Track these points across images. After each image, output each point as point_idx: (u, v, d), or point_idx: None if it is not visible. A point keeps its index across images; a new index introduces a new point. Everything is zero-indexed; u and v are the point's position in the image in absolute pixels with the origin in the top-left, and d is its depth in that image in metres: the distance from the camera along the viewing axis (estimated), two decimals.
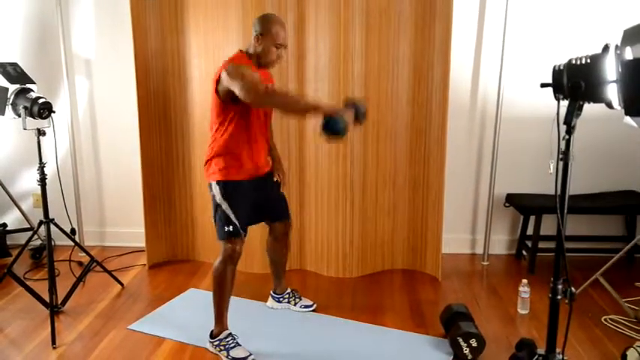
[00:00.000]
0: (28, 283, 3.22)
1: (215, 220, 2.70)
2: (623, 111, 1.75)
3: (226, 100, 2.55)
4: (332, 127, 2.34)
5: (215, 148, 2.66)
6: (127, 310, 3.19)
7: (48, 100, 2.94)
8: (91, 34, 3.93)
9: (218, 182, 2.66)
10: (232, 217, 2.64)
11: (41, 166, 3.02)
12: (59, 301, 3.13)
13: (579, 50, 1.92)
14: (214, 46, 3.50)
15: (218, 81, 2.54)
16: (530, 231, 3.81)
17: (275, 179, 2.93)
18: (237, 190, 2.67)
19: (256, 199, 2.78)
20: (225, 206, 2.65)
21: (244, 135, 2.64)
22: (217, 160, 2.66)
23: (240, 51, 2.70)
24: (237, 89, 2.42)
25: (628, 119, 1.86)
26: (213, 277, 2.68)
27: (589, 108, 1.90)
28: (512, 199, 3.87)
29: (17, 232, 4.05)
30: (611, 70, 1.76)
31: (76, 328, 2.98)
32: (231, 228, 2.64)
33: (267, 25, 2.61)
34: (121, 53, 3.83)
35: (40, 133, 2.98)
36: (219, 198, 2.66)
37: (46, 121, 2.95)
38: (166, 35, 3.61)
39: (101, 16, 3.89)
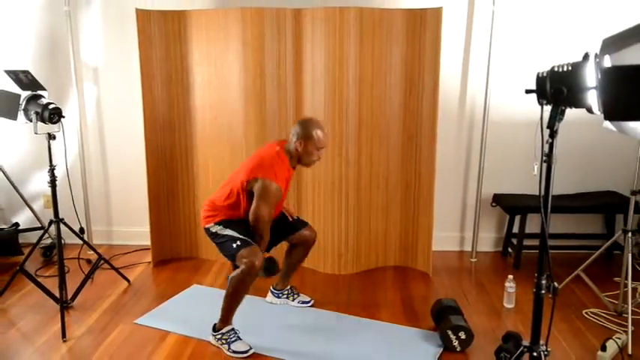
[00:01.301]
0: (39, 279, 3.21)
1: (222, 250, 2.70)
2: (602, 116, 1.76)
3: (250, 194, 2.66)
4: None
5: (222, 209, 2.73)
6: (133, 305, 3.18)
7: (58, 106, 2.93)
8: (98, 43, 3.92)
9: (216, 223, 2.71)
10: (236, 234, 2.64)
11: (51, 169, 3.01)
12: (69, 297, 3.13)
13: (561, 58, 1.93)
14: (216, 55, 3.50)
15: (250, 175, 2.63)
16: (515, 229, 3.83)
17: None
18: (238, 222, 2.70)
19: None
20: (227, 232, 2.67)
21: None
22: (218, 214, 2.74)
23: (283, 149, 2.75)
24: (253, 206, 2.60)
25: (607, 124, 1.86)
26: (230, 282, 2.62)
27: (571, 113, 1.91)
28: (498, 199, 3.88)
29: (29, 231, 4.04)
30: (591, 77, 1.76)
31: (85, 322, 2.97)
32: (238, 242, 2.62)
33: (309, 130, 2.69)
34: (127, 61, 3.82)
35: (51, 137, 2.97)
36: (219, 229, 2.69)
37: (56, 125, 2.94)
38: (170, 44, 3.60)
39: (108, 25, 3.88)
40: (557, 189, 3.58)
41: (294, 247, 3.05)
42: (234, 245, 2.62)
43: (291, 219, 2.99)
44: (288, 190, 2.91)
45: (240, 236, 2.64)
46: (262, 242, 2.70)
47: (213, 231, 2.72)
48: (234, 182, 2.73)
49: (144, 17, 3.50)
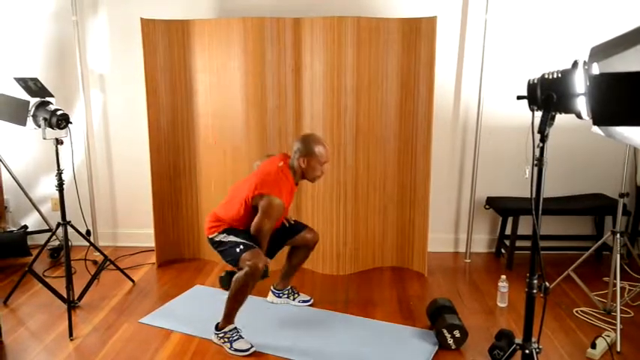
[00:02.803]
0: (47, 280, 3.20)
1: (225, 257, 2.70)
2: (591, 121, 1.76)
3: (254, 208, 2.67)
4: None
5: (228, 221, 2.73)
6: (137, 305, 3.18)
7: (65, 112, 2.93)
8: (105, 52, 3.93)
9: (220, 232, 2.71)
10: (238, 240, 2.64)
11: (59, 173, 3.01)
12: (76, 297, 3.12)
13: (551, 66, 1.94)
14: (218, 63, 3.50)
15: (254, 196, 2.63)
16: (508, 231, 3.83)
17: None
18: (242, 230, 2.70)
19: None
20: (230, 238, 2.67)
21: None
22: (222, 226, 2.73)
23: (286, 164, 2.74)
24: (257, 220, 2.61)
25: (595, 128, 1.87)
26: (234, 283, 2.60)
27: (561, 118, 1.91)
28: (492, 202, 3.89)
29: (37, 233, 4.04)
30: (579, 83, 1.77)
31: (91, 321, 2.97)
32: (241, 247, 2.62)
33: (310, 147, 2.68)
34: (133, 69, 3.82)
35: (58, 142, 2.97)
36: (223, 237, 2.69)
37: (63, 131, 2.94)
38: (174, 52, 3.61)
39: (114, 34, 3.89)
40: (548, 192, 3.57)
41: (296, 249, 3.05)
42: (238, 250, 2.61)
43: (287, 224, 2.99)
44: (291, 204, 2.91)
45: (244, 241, 2.64)
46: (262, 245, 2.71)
47: (217, 240, 2.71)
48: (239, 197, 2.72)
49: (148, 26, 3.51)
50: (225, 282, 2.68)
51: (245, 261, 2.57)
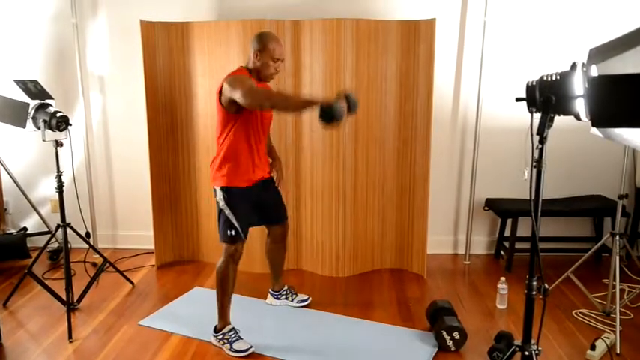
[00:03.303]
0: (46, 282, 3.20)
1: (219, 224, 2.70)
2: (589, 123, 1.77)
3: (229, 110, 2.56)
4: (328, 115, 2.26)
5: (220, 154, 2.66)
6: (137, 307, 3.17)
7: (65, 114, 2.93)
8: (104, 54, 3.93)
9: (222, 188, 2.65)
10: (234, 222, 2.64)
11: (59, 175, 3.01)
12: (75, 299, 3.12)
13: (550, 67, 1.94)
14: (218, 66, 3.50)
15: (220, 92, 2.55)
16: (507, 232, 3.83)
17: (276, 185, 2.94)
18: (239, 197, 2.67)
19: (257, 203, 2.77)
20: (228, 212, 2.64)
21: (245, 141, 2.64)
22: (221, 165, 2.66)
23: (241, 66, 2.71)
24: (237, 96, 2.42)
25: (594, 130, 1.87)
26: (216, 276, 2.68)
27: (560, 120, 1.92)
28: (491, 204, 3.89)
29: (36, 235, 4.04)
30: (578, 85, 1.77)
31: (91, 323, 2.96)
32: (233, 232, 2.64)
33: (264, 42, 2.61)
34: (132, 71, 3.83)
35: (58, 144, 2.98)
36: (222, 204, 2.66)
37: (63, 133, 2.94)
38: (173, 55, 3.61)
39: (114, 37, 3.89)
40: (547, 194, 3.60)
41: (271, 245, 3.03)
42: (228, 232, 2.64)
43: (277, 182, 2.94)
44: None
45: (238, 226, 2.63)
46: (294, 98, 2.68)
47: (217, 200, 2.67)
48: (217, 118, 2.64)
49: (148, 29, 3.51)
50: (327, 114, 2.28)
51: (227, 246, 2.65)
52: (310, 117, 3.47)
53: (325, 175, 3.50)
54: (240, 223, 2.65)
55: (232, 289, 2.70)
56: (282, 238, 3.02)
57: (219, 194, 2.67)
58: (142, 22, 3.47)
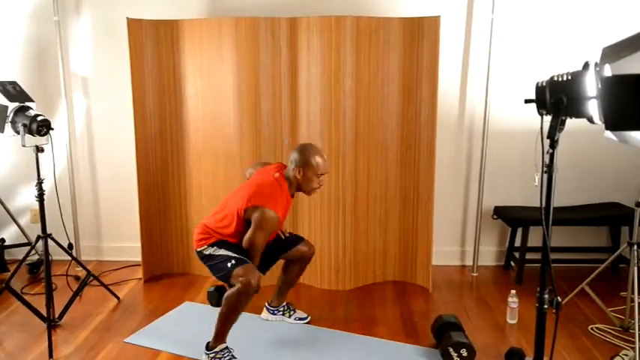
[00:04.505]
0: (25, 297, 3.19)
1: (215, 272, 2.68)
2: (603, 126, 1.78)
3: (247, 221, 2.66)
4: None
5: (217, 233, 2.72)
6: (123, 323, 3.17)
7: (46, 118, 2.94)
8: (88, 54, 3.95)
9: (210, 244, 2.70)
10: (230, 253, 2.63)
11: (39, 182, 3.01)
12: (56, 315, 3.11)
13: (561, 67, 1.95)
14: (209, 65, 3.52)
15: (249, 203, 2.62)
16: (518, 242, 3.83)
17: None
18: (233, 244, 2.70)
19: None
20: (221, 252, 2.65)
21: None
22: (212, 238, 2.72)
23: (281, 175, 2.75)
24: (250, 234, 2.62)
25: (608, 133, 1.88)
26: (224, 302, 2.60)
27: (573, 122, 1.93)
28: (500, 212, 3.89)
29: (15, 247, 4.02)
30: (591, 86, 1.78)
31: (73, 341, 2.95)
32: (233, 262, 2.61)
33: (307, 157, 2.68)
34: (118, 71, 3.83)
35: (39, 149, 2.98)
36: (213, 250, 2.68)
37: (44, 138, 2.94)
38: (162, 54, 3.63)
39: (99, 35, 3.91)
40: (560, 201, 3.61)
41: (291, 263, 3.05)
42: (229, 264, 2.61)
43: (283, 236, 2.99)
44: (286, 217, 2.91)
45: (235, 255, 2.63)
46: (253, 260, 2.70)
47: (207, 253, 2.70)
48: (230, 208, 2.72)
49: (135, 27, 3.53)
50: (213, 298, 2.67)
51: (237, 277, 2.56)
52: (308, 119, 3.48)
53: (324, 187, 3.50)
54: (237, 254, 2.64)
55: (238, 318, 2.64)
56: (307, 259, 3.02)
57: (208, 250, 2.69)
58: (128, 19, 3.49)
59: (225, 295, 2.60)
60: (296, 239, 3.01)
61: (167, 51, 3.62)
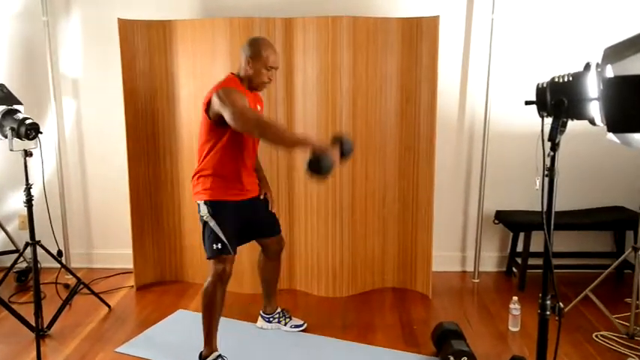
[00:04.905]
0: (13, 306, 3.18)
1: (204, 239, 2.69)
2: (605, 127, 1.78)
3: (217, 123, 2.56)
4: (315, 167, 2.30)
5: (204, 167, 2.67)
6: (114, 332, 3.15)
7: (35, 121, 2.94)
8: (78, 55, 3.94)
9: (205, 202, 2.66)
10: (221, 234, 2.63)
11: (28, 188, 3.01)
12: (45, 325, 3.10)
13: (562, 68, 1.96)
14: (202, 67, 3.52)
15: (209, 103, 2.56)
16: (520, 248, 3.83)
17: (262, 197, 2.93)
18: (224, 210, 2.67)
19: (245, 220, 2.77)
20: (212, 224, 2.64)
21: (233, 158, 2.65)
22: (204, 179, 2.66)
23: (232, 74, 2.72)
24: (227, 115, 2.44)
25: (611, 135, 1.88)
26: (202, 298, 2.66)
27: (575, 124, 1.93)
28: (501, 216, 3.90)
29: (2, 254, 4.00)
30: (592, 87, 1.79)
31: (63, 352, 2.94)
32: (219, 245, 2.63)
33: (257, 49, 2.64)
34: (109, 73, 3.83)
35: (27, 154, 2.98)
36: (206, 216, 2.66)
37: (33, 142, 2.94)
38: (154, 56, 3.63)
39: (88, 36, 3.91)
40: (563, 205, 3.61)
41: (264, 265, 3.04)
42: (214, 246, 2.63)
43: (270, 207, 2.96)
44: (262, 113, 2.83)
45: (224, 239, 2.63)
46: (285, 135, 2.56)
47: (202, 214, 2.68)
48: (199, 140, 2.68)
49: (126, 27, 3.53)
50: (316, 166, 2.32)
51: (214, 264, 2.63)
52: (304, 120, 3.48)
53: (320, 186, 3.51)
54: (228, 236, 2.64)
55: (220, 313, 2.69)
56: (277, 255, 3.02)
57: (203, 208, 2.67)
58: (119, 20, 3.49)
59: (202, 289, 2.66)
60: (274, 230, 2.98)
61: (159, 52, 3.62)
